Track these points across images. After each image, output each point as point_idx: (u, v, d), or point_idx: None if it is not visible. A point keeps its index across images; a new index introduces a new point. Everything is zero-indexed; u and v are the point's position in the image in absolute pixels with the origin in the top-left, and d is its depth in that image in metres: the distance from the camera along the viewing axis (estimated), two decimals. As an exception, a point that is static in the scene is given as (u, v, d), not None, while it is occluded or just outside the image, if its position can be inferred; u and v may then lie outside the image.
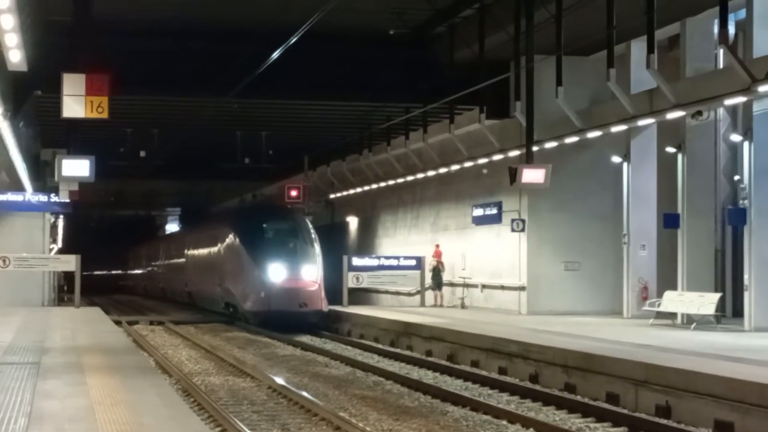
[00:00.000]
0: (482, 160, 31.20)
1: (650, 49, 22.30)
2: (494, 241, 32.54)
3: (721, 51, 24.66)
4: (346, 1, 20.83)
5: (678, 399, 15.31)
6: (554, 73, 25.47)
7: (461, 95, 28.08)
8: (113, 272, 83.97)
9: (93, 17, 22.59)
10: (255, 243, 34.27)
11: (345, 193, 44.70)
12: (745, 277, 23.04)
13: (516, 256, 31.01)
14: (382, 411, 15.92)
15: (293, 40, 23.08)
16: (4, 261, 33.23)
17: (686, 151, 25.15)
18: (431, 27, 29.73)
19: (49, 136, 35.88)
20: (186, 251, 46.71)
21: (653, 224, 27.57)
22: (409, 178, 37.32)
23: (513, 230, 30.41)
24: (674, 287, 25.40)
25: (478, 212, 33.42)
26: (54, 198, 34.14)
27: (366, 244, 44.99)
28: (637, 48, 26.08)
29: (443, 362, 23.07)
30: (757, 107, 22.51)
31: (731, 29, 23.12)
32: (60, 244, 52.12)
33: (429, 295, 35.77)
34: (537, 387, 18.84)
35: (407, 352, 25.59)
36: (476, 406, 16.34)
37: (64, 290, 45.87)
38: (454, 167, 33.30)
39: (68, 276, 42.09)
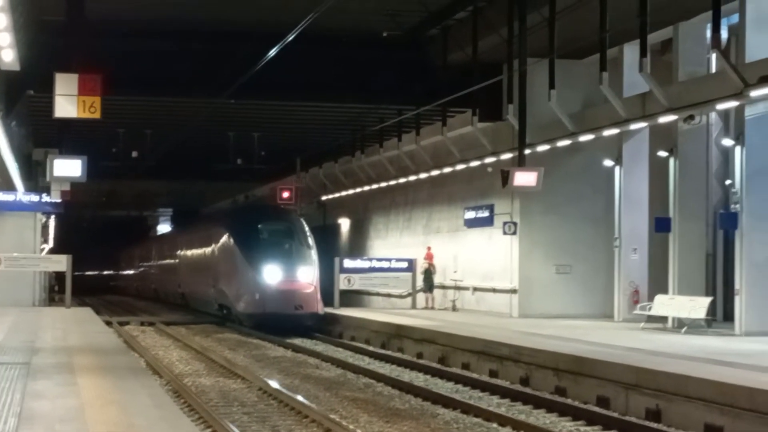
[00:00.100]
0: (474, 163, 31.21)
1: (643, 53, 22.32)
2: (486, 243, 32.56)
3: (714, 55, 24.67)
4: (339, 3, 20.82)
5: (668, 403, 15.33)
6: (547, 76, 25.49)
7: (454, 98, 28.10)
8: (105, 273, 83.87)
9: (86, 17, 22.57)
10: (250, 244, 33.83)
11: (337, 194, 44.68)
12: (736, 281, 23.06)
13: (507, 259, 31.03)
14: (372, 413, 15.92)
15: (287, 42, 23.08)
16: (-5, 261, 33.19)
17: (678, 155, 25.20)
18: (425, 29, 29.74)
19: (41, 135, 35.83)
20: (179, 252, 46.41)
21: (645, 228, 27.60)
22: (402, 180, 37.32)
23: (505, 233, 30.42)
24: (665, 291, 25.44)
25: (470, 215, 33.41)
26: (46, 198, 34.08)
27: (358, 246, 44.98)
28: (630, 52, 26.13)
29: (434, 365, 23.06)
30: (749, 112, 22.55)
31: (724, 34, 23.19)
32: (51, 244, 52.03)
33: (420, 298, 35.78)
34: (528, 390, 18.85)
35: (398, 355, 25.58)
36: (467, 409, 16.33)
37: (55, 290, 45.80)
38: (447, 170, 33.31)
39: (59, 276, 42.04)
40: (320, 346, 28.09)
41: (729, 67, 20.78)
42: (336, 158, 42.64)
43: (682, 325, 24.31)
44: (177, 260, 46.98)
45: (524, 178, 25.34)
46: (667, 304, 24.82)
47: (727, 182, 26.46)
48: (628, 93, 26.42)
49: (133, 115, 33.53)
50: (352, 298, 39.26)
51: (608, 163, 28.18)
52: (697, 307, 23.78)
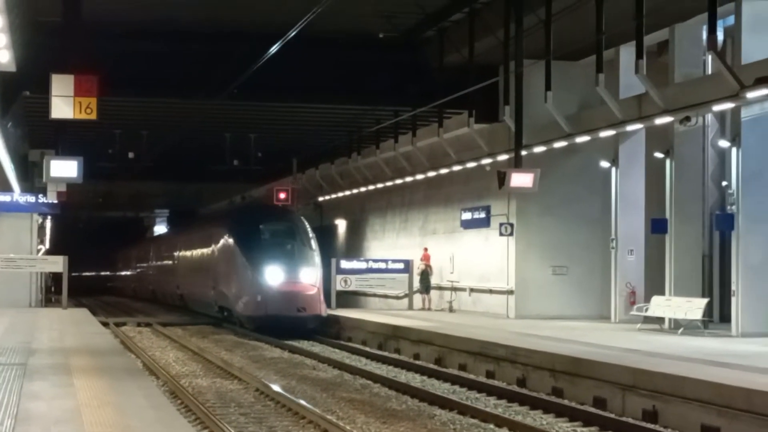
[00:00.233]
0: (471, 164, 31.24)
1: (639, 55, 22.35)
2: (482, 244, 32.57)
3: (710, 57, 24.72)
4: (336, 5, 20.83)
5: (665, 404, 15.34)
6: (543, 78, 25.52)
7: (450, 99, 28.12)
8: (102, 273, 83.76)
9: (82, 18, 22.52)
10: (251, 244, 33.04)
11: (334, 195, 44.70)
12: (733, 282, 23.09)
13: (504, 260, 31.04)
14: (369, 414, 15.92)
15: (283, 43, 23.09)
16: (-9, 261, 33.19)
17: (674, 157, 25.22)
18: (421, 31, 29.75)
19: (37, 136, 35.80)
20: (178, 252, 45.88)
21: (641, 229, 27.61)
22: (398, 181, 37.34)
23: (501, 234, 30.44)
24: (662, 292, 25.45)
25: (467, 216, 33.45)
26: (42, 199, 34.12)
27: (354, 247, 44.98)
28: (626, 53, 26.13)
29: (431, 365, 23.06)
30: (745, 113, 22.56)
31: (720, 35, 23.19)
32: (48, 245, 51.97)
33: (417, 299, 35.78)
34: (524, 391, 18.85)
35: (395, 356, 25.58)
36: (463, 410, 16.34)
37: (51, 291, 45.77)
38: (443, 171, 33.32)
39: (56, 277, 42.02)
40: (317, 347, 28.09)
41: (725, 69, 20.80)
42: (332, 159, 42.67)
43: (678, 326, 24.33)
44: (176, 261, 46.51)
45: (521, 180, 25.37)
46: (664, 306, 24.84)
47: (724, 184, 26.49)
48: (625, 94, 26.43)
49: (130, 116, 33.52)
50: (348, 299, 39.24)
51: (604, 164, 28.20)
52: (694, 308, 23.80)
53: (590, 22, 23.36)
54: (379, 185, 38.99)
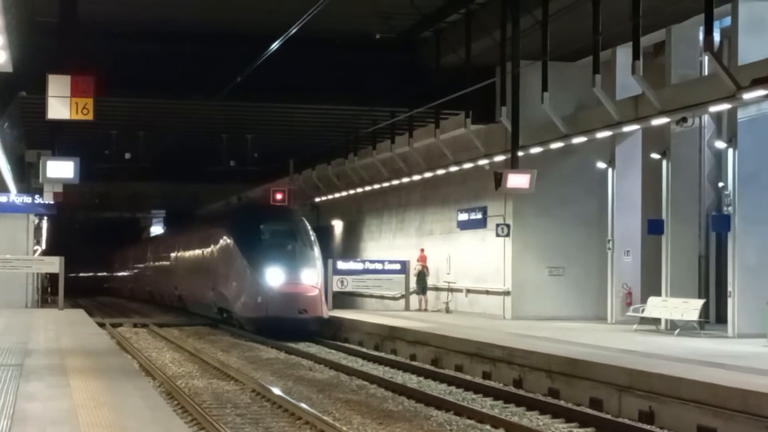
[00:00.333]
0: (467, 165, 31.25)
1: (636, 56, 22.34)
2: (479, 245, 32.58)
3: (706, 58, 24.73)
4: (332, 6, 20.82)
5: (661, 405, 15.36)
6: (540, 79, 25.51)
7: (447, 100, 28.12)
8: (98, 274, 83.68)
9: (79, 18, 22.49)
10: (251, 245, 32.58)
11: (330, 196, 44.69)
12: (729, 283, 23.11)
13: (501, 261, 31.05)
14: (365, 415, 15.92)
15: (279, 44, 23.09)
16: (-13, 262, 33.15)
17: (671, 158, 25.24)
18: (418, 32, 29.74)
19: (33, 137, 35.75)
20: (176, 253, 45.52)
21: (637, 230, 27.63)
22: (395, 182, 37.34)
23: (498, 235, 30.45)
24: (658, 293, 25.47)
25: (463, 217, 33.46)
26: (38, 199, 34.07)
27: (351, 247, 44.98)
28: (623, 54, 26.16)
29: (427, 366, 23.08)
30: (742, 114, 22.59)
31: (716, 36, 23.18)
32: (44, 245, 51.97)
33: (414, 300, 35.79)
34: (521, 392, 18.87)
35: (391, 356, 25.59)
36: (460, 411, 16.35)
37: (48, 292, 45.73)
38: (440, 172, 33.33)
39: (52, 278, 41.96)
40: (313, 348, 28.08)
41: (721, 70, 20.81)
42: (329, 160, 42.66)
43: (674, 327, 24.35)
44: (174, 261, 46.13)
45: (517, 181, 25.34)
46: (660, 306, 24.86)
47: (720, 185, 26.50)
48: (621, 95, 26.45)
49: (126, 116, 33.48)
50: (345, 299, 39.24)
51: (601, 165, 28.22)
52: (690, 309, 23.82)
53: (587, 23, 23.36)
54: (376, 186, 38.99)
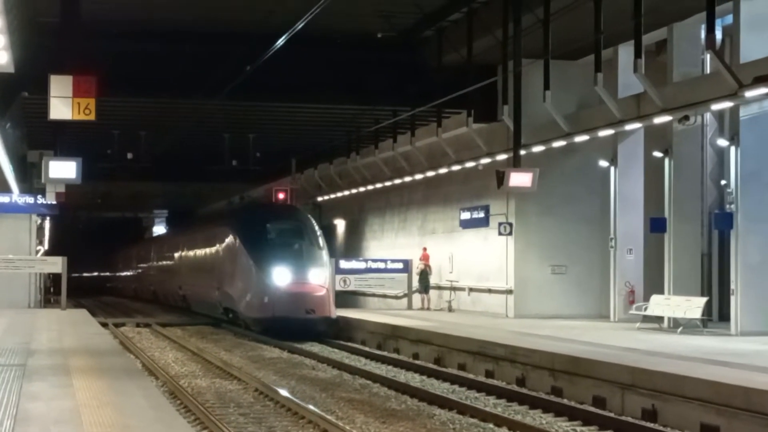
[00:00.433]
0: (470, 164, 31.25)
1: (638, 54, 22.36)
2: (481, 244, 32.58)
3: (708, 56, 24.72)
4: (334, 5, 20.83)
5: (664, 403, 15.35)
6: (542, 77, 25.53)
7: (449, 99, 28.13)
8: (101, 274, 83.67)
9: (80, 19, 22.52)
10: (257, 244, 32.04)
11: (332, 195, 44.69)
12: (732, 281, 23.10)
13: (503, 260, 31.05)
14: (369, 414, 15.92)
15: (281, 43, 23.09)
16: (-10, 262, 33.18)
17: (673, 156, 25.23)
18: (419, 30, 29.76)
19: (35, 137, 35.78)
20: (181, 252, 45.11)
21: (640, 228, 27.63)
22: (397, 181, 37.34)
23: (500, 234, 30.45)
24: (661, 291, 25.46)
25: (466, 215, 33.46)
26: (41, 200, 34.08)
27: (353, 246, 44.98)
28: (625, 53, 26.14)
29: (430, 365, 23.06)
30: (744, 112, 22.58)
31: (718, 34, 23.19)
32: (47, 245, 51.96)
33: (416, 298, 35.79)
34: (524, 390, 18.86)
35: (394, 355, 25.58)
36: (463, 409, 16.34)
37: (50, 292, 45.75)
38: (442, 170, 33.33)
39: (55, 278, 42.01)
40: (316, 347, 28.06)
41: (723, 68, 20.81)
42: (331, 159, 42.67)
43: (677, 325, 24.34)
44: (178, 261, 45.71)
45: (519, 179, 25.36)
46: (663, 305, 24.85)
47: (722, 183, 26.51)
48: (623, 94, 26.44)
49: (128, 116, 33.51)
50: (347, 299, 39.23)
51: (603, 163, 28.22)
52: (693, 307, 23.81)
53: (589, 21, 23.36)
54: (378, 185, 39.00)
